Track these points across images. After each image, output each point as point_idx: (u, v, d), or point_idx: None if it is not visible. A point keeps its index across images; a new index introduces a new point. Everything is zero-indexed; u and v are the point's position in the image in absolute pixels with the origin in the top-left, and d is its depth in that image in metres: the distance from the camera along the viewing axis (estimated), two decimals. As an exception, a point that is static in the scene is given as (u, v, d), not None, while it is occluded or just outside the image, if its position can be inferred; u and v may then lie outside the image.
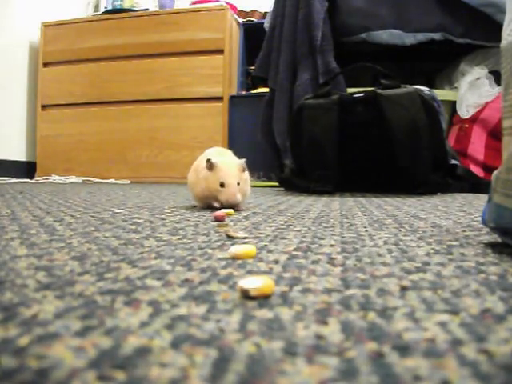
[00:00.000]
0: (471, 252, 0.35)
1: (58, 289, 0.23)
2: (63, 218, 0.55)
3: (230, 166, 0.67)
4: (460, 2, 1.51)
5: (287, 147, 1.45)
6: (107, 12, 2.26)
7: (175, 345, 0.16)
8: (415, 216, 0.62)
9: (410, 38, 1.56)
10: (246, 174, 0.70)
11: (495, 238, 0.41)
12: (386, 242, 0.39)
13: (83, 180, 2.00)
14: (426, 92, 1.20)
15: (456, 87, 1.66)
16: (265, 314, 0.20)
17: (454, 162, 1.30)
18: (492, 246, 0.38)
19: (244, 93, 2.11)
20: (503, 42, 0.37)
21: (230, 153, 0.76)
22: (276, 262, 0.31)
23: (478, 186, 1.33)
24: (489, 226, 0.39)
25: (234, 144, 1.91)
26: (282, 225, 0.51)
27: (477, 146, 1.54)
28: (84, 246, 0.36)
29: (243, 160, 0.69)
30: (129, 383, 0.13)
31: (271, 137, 1.66)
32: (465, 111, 1.59)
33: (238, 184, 0.66)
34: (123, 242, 0.38)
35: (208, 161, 0.67)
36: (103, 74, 2.16)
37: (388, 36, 1.56)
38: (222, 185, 0.65)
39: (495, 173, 0.38)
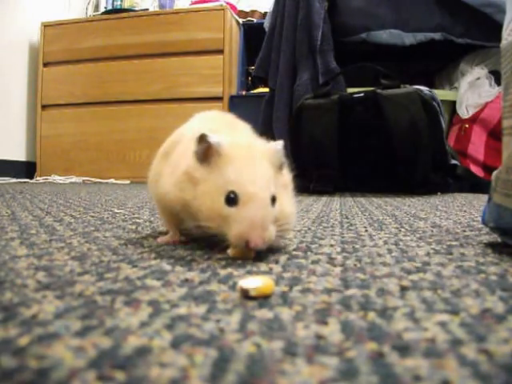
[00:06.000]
0: (471, 252, 0.35)
1: (58, 289, 0.23)
2: (63, 218, 0.55)
3: (254, 156, 0.32)
4: (460, 2, 1.51)
5: (287, 147, 1.45)
6: (107, 12, 2.27)
7: (175, 345, 0.16)
8: (415, 216, 0.62)
9: (409, 38, 1.56)
10: (285, 174, 0.37)
11: (495, 237, 0.41)
12: (386, 242, 0.39)
13: (83, 180, 2.00)
14: (426, 92, 1.20)
15: (456, 87, 1.66)
16: (265, 313, 0.20)
17: (454, 161, 1.30)
18: (492, 245, 0.38)
19: (244, 93, 2.10)
20: (503, 42, 0.37)
21: (244, 126, 0.43)
22: (276, 261, 0.31)
23: (478, 186, 1.33)
24: (489, 226, 0.39)
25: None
26: (282, 225, 0.51)
27: (477, 146, 1.54)
28: (84, 245, 0.36)
29: (278, 144, 0.36)
30: (129, 383, 0.13)
31: (271, 137, 1.66)
32: (465, 111, 1.59)
33: (274, 200, 0.31)
34: (123, 242, 0.38)
35: (202, 139, 0.32)
36: (103, 74, 2.16)
37: (388, 36, 1.56)
38: (230, 199, 0.30)
39: (495, 173, 0.38)
